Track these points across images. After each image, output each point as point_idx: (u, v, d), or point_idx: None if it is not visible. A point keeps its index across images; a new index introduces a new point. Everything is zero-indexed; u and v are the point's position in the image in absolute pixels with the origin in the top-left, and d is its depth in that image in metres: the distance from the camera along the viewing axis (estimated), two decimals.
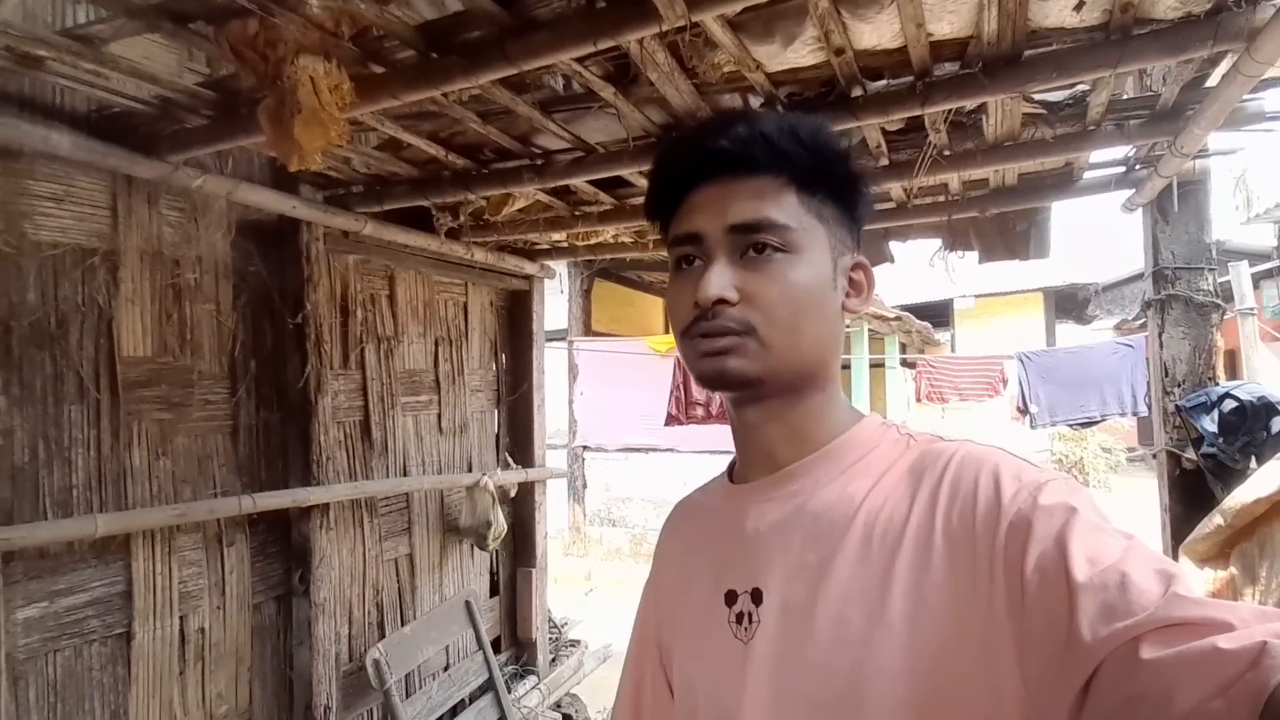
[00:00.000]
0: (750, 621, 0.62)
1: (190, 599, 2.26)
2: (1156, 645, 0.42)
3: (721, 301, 0.60)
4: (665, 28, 1.30)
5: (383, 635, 2.87)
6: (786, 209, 0.62)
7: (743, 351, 0.60)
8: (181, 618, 2.23)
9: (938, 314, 11.47)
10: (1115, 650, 0.43)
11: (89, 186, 2.03)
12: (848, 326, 9.03)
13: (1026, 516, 0.51)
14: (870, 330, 9.30)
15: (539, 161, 2.29)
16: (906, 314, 9.17)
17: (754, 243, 0.61)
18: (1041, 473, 0.55)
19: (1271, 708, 0.36)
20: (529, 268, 3.66)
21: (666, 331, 8.33)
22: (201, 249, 2.32)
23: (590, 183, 2.48)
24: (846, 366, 8.86)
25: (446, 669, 3.19)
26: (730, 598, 0.64)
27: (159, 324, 2.20)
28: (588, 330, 7.57)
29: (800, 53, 1.54)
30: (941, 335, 12.05)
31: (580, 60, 1.60)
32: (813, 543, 0.61)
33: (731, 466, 0.73)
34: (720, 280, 0.60)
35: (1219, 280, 2.46)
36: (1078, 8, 1.36)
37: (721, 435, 6.25)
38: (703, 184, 0.64)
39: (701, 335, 0.61)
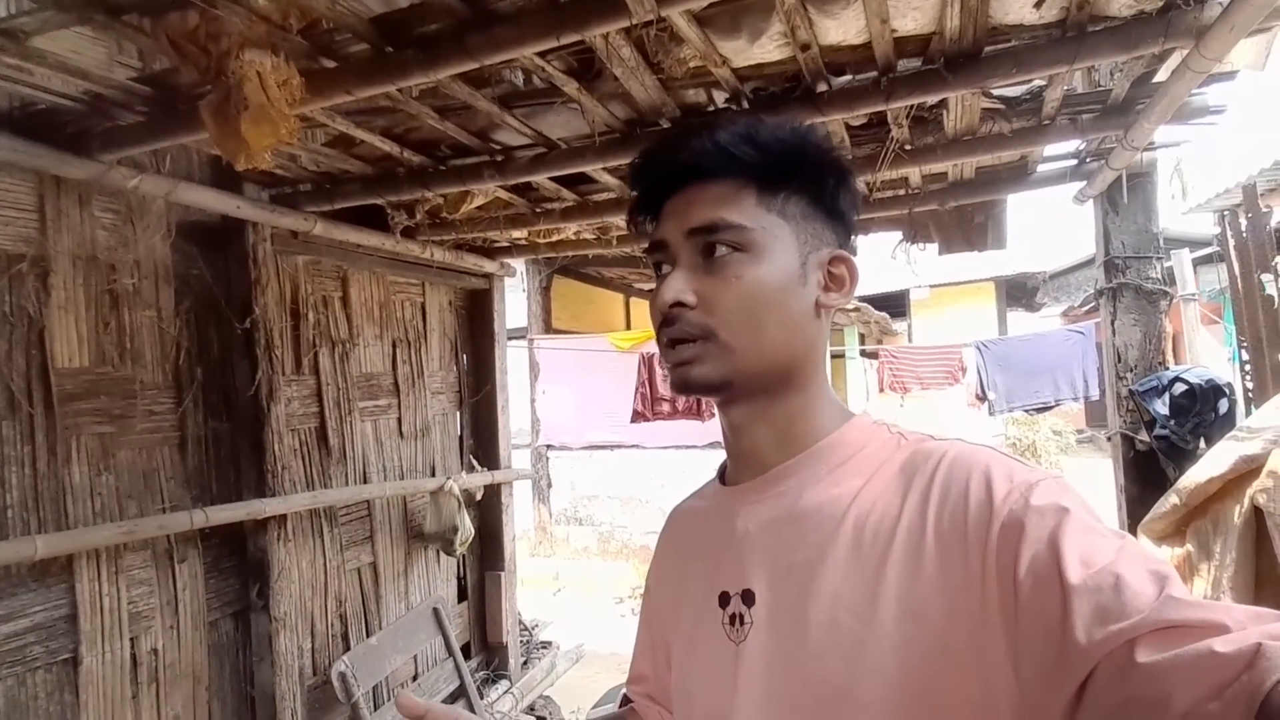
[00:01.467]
0: (742, 623, 0.61)
1: (141, 619, 2.15)
2: (1152, 648, 0.42)
3: (680, 305, 0.61)
4: (633, 21, 1.27)
5: (348, 647, 2.79)
6: (743, 210, 0.62)
7: (704, 358, 0.61)
8: (132, 639, 2.13)
9: (895, 304, 11.72)
10: (1110, 653, 0.43)
11: (13, 188, 1.90)
12: None
13: (1018, 517, 0.51)
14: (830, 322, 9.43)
15: (499, 158, 2.23)
16: (865, 305, 9.34)
17: (710, 244, 0.62)
18: (1033, 472, 0.55)
19: (1267, 710, 0.36)
20: (488, 266, 3.59)
21: (628, 328, 8.31)
22: (140, 252, 2.20)
23: (552, 179, 2.43)
24: None
25: (416, 678, 3.12)
26: (723, 599, 0.64)
27: (95, 332, 2.08)
28: (548, 328, 7.48)
29: (767, 48, 1.52)
30: (899, 325, 12.32)
31: (543, 54, 1.56)
32: (802, 543, 0.60)
33: (723, 469, 0.73)
34: (677, 284, 0.62)
35: (1164, 267, 2.55)
36: (1037, 4, 1.38)
37: (687, 430, 6.28)
38: (672, 195, 0.66)
39: (668, 344, 0.63)
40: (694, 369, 0.61)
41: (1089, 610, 0.45)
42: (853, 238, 0.71)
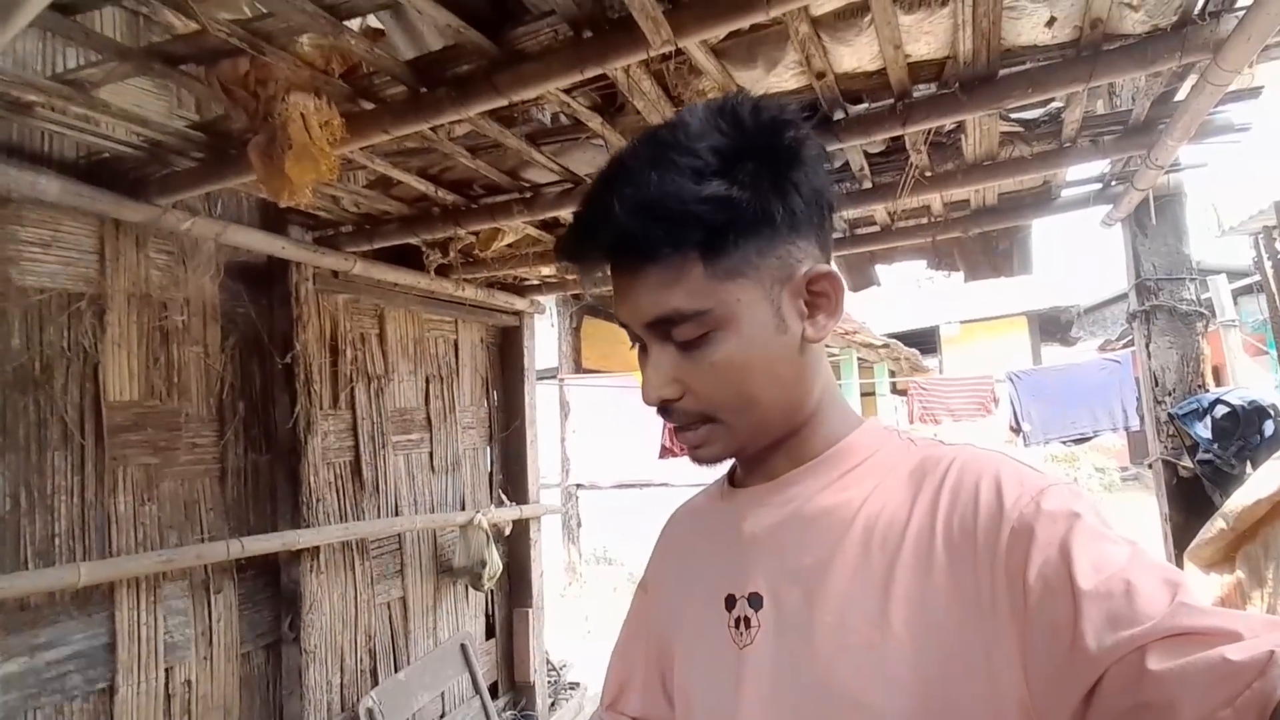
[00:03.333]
0: (748, 626, 0.60)
1: (176, 650, 2.18)
2: (1163, 655, 0.41)
3: (668, 400, 0.59)
4: (651, 54, 1.33)
5: (376, 682, 2.78)
6: (694, 290, 0.55)
7: (711, 440, 0.61)
8: (167, 670, 2.15)
9: (924, 341, 11.59)
10: (1121, 659, 0.43)
11: (76, 231, 2.03)
12: (837, 354, 9.13)
13: (1029, 522, 0.50)
14: (859, 359, 9.37)
15: (528, 194, 2.32)
16: (894, 341, 9.26)
17: (674, 336, 0.58)
18: (1043, 478, 0.54)
19: (1278, 718, 0.36)
20: (519, 304, 3.67)
21: None
22: (189, 291, 2.31)
23: None
24: None
25: (443, 716, 3.08)
26: (729, 602, 0.63)
27: (146, 367, 2.18)
28: (578, 368, 7.55)
29: (783, 77, 1.58)
30: (929, 361, 12.15)
31: (568, 91, 1.64)
32: (811, 546, 0.59)
33: (732, 470, 0.72)
34: (656, 380, 0.59)
35: (1201, 296, 2.51)
36: (1049, 24, 1.41)
37: (714, 468, 6.20)
38: (611, 268, 0.60)
39: (672, 427, 0.63)
40: (703, 451, 0.62)
41: (1100, 616, 0.44)
42: (828, 212, 0.62)
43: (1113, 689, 0.43)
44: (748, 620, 0.60)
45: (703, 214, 0.54)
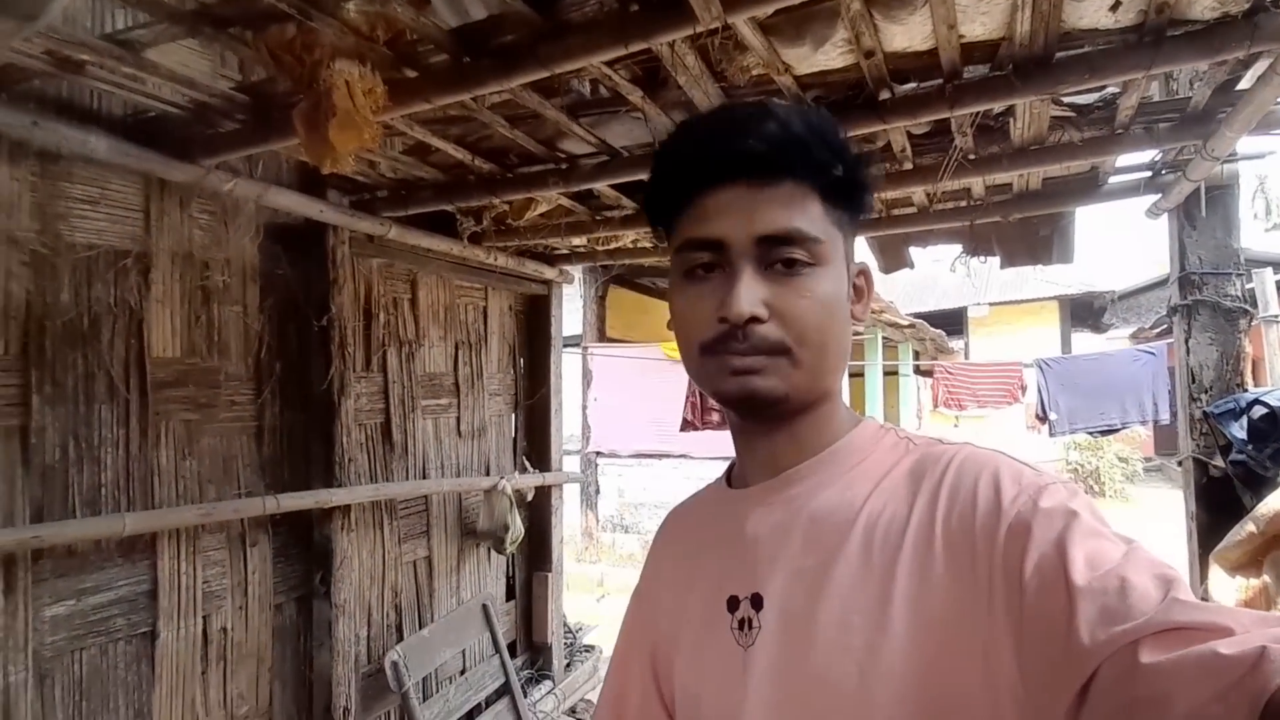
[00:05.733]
0: (751, 627, 0.61)
1: (213, 599, 2.27)
2: (1155, 650, 0.42)
3: (754, 319, 0.58)
4: (699, 29, 1.31)
5: (401, 637, 2.88)
6: (813, 219, 0.59)
7: (773, 371, 0.59)
8: (205, 617, 2.24)
9: (951, 322, 11.43)
10: (1114, 654, 0.43)
11: (123, 189, 2.06)
12: (860, 335, 9.04)
13: (1026, 520, 0.51)
14: (884, 338, 9.28)
15: (564, 165, 2.31)
16: (921, 322, 9.15)
17: (784, 256, 0.58)
18: (1041, 476, 0.55)
19: (1270, 712, 0.36)
20: (548, 273, 3.68)
21: None
22: (230, 252, 2.35)
23: (613, 187, 2.49)
24: (859, 374, 8.84)
25: (464, 672, 3.19)
26: (732, 604, 0.63)
27: (188, 325, 2.23)
28: (602, 337, 7.58)
29: (830, 55, 1.54)
30: (955, 343, 11.99)
31: (610, 64, 1.62)
32: (813, 547, 0.60)
33: (729, 471, 0.73)
34: (751, 295, 0.58)
35: (1245, 289, 2.44)
36: (1113, 8, 1.36)
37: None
38: (720, 186, 0.59)
39: (730, 353, 0.59)
40: (759, 379, 0.59)
41: (1094, 612, 0.45)
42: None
43: (1106, 684, 0.43)
44: (750, 621, 0.61)
45: (842, 159, 0.61)
